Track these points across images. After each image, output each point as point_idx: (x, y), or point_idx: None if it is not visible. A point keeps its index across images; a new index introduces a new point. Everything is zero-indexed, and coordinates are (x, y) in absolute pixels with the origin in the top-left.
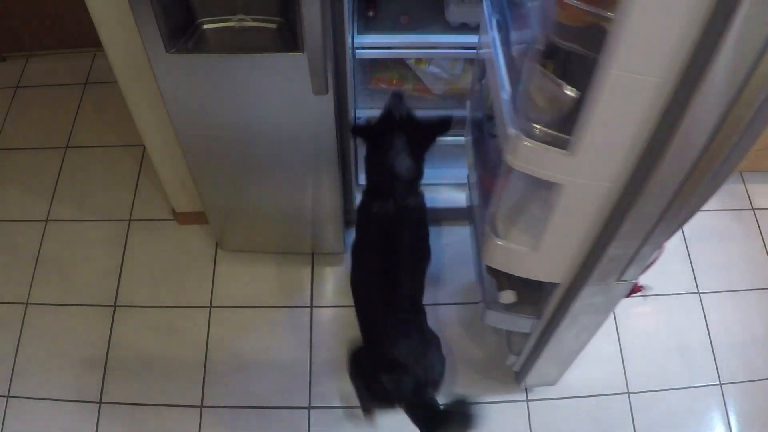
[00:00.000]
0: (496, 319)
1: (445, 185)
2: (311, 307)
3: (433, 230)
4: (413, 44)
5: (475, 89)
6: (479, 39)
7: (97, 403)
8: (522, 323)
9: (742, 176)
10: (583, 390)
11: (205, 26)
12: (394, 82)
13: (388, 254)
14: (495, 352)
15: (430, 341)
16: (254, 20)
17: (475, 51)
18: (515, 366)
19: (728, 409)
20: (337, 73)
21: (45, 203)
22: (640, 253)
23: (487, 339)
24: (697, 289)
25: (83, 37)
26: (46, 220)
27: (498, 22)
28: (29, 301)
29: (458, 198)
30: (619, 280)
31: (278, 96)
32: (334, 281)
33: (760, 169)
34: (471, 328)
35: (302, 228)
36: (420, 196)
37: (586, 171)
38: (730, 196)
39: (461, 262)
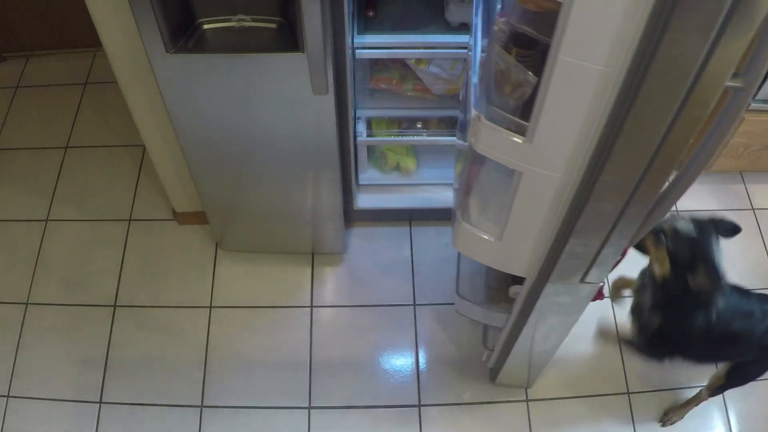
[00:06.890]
0: (466, 308)
1: (444, 185)
2: (311, 307)
3: (432, 230)
4: (413, 44)
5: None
6: (469, 38)
7: (97, 403)
8: (493, 316)
9: (742, 176)
10: (583, 390)
11: (205, 26)
12: (394, 82)
13: None
14: None
15: None
16: (254, 20)
17: None
18: (489, 363)
19: (728, 409)
20: (337, 73)
21: (45, 203)
22: (601, 254)
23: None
24: None
25: (83, 37)
26: (46, 220)
27: (483, 9)
28: (29, 301)
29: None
30: (583, 281)
31: (278, 96)
32: (334, 281)
33: (760, 169)
34: (478, 327)
35: (302, 228)
36: None
37: (541, 159)
38: (730, 196)
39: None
